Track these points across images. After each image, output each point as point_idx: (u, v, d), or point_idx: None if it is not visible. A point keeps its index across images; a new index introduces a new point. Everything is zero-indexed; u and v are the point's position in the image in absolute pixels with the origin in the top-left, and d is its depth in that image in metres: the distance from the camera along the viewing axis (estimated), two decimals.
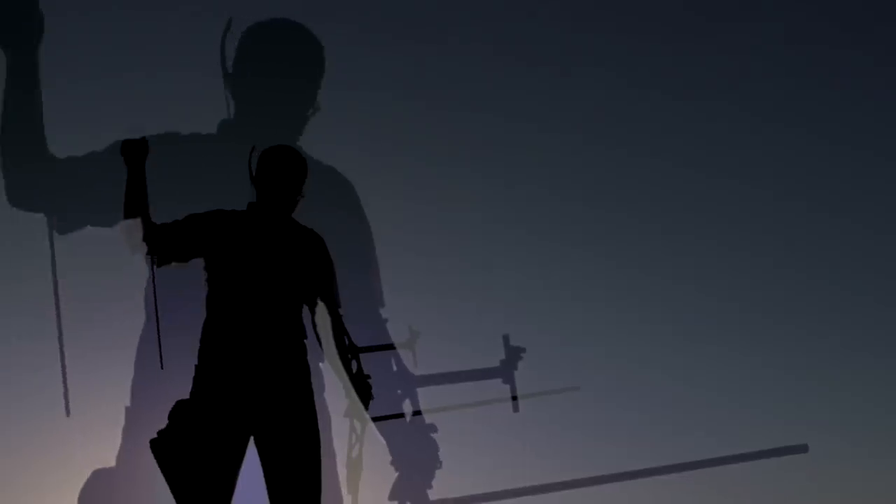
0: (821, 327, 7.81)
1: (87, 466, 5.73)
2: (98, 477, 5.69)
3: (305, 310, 3.99)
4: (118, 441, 5.85)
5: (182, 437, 3.74)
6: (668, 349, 7.50)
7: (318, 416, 3.92)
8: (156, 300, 3.94)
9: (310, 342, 3.95)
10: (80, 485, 5.69)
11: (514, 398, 5.45)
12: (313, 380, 3.96)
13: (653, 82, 5.98)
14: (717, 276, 7.58)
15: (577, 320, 7.05)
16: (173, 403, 3.84)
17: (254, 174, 3.96)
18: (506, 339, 5.52)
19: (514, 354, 5.50)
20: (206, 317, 3.89)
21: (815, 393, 7.77)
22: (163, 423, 3.81)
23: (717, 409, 7.63)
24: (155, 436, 3.77)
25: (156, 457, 3.74)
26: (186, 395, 3.84)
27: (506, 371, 5.49)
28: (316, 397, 3.95)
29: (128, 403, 5.84)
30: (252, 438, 3.84)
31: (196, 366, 3.85)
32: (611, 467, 5.89)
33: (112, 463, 5.81)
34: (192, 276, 4.02)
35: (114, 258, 6.16)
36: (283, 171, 3.90)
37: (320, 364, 5.28)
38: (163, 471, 3.74)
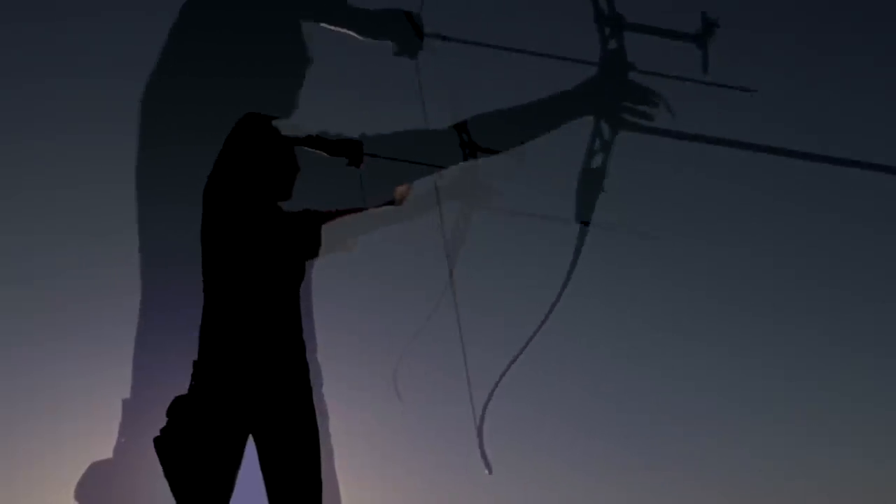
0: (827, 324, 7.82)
1: (85, 462, 5.73)
2: (95, 472, 5.69)
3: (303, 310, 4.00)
4: (116, 437, 5.85)
5: (181, 434, 3.75)
6: (667, 346, 7.50)
7: (317, 414, 3.93)
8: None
9: (308, 340, 3.97)
10: (79, 481, 5.70)
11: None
12: (311, 377, 3.97)
13: (651, 82, 5.98)
14: (715, 273, 7.58)
15: (576, 321, 7.03)
16: (171, 399, 3.85)
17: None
18: None
19: None
20: (203, 313, 3.90)
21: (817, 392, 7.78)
22: (161, 418, 3.82)
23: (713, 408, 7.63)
24: (158, 434, 3.78)
25: (159, 455, 3.75)
26: (184, 391, 3.85)
27: None
28: (314, 395, 3.96)
29: (126, 398, 5.84)
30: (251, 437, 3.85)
31: (195, 362, 3.86)
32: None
33: (110, 459, 5.81)
34: (190, 275, 4.03)
35: (113, 257, 6.18)
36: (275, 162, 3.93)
37: (319, 360, 5.31)
38: (164, 469, 3.75)
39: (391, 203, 4.12)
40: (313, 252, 4.01)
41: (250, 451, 3.86)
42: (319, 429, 3.88)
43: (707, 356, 7.62)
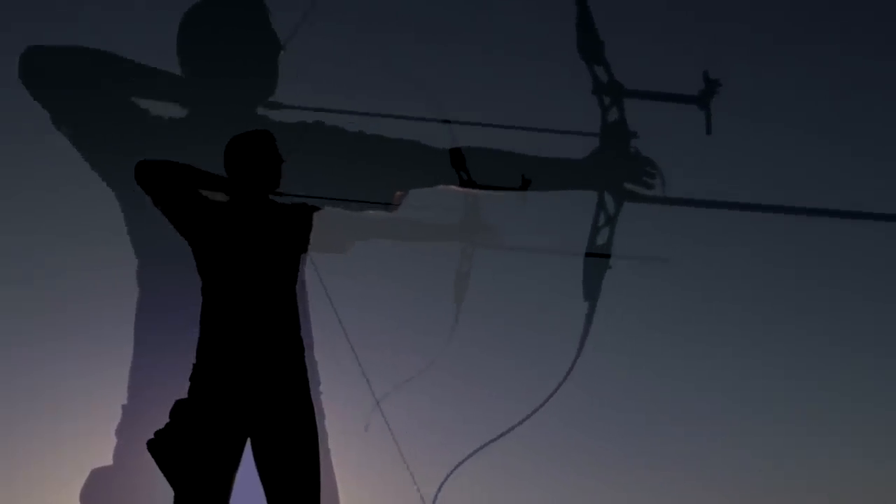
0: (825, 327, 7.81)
1: (85, 462, 5.74)
2: (97, 476, 5.70)
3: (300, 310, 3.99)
4: (117, 440, 5.86)
5: (181, 436, 3.76)
6: (667, 346, 7.50)
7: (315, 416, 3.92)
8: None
9: (306, 340, 3.97)
10: (80, 484, 5.71)
11: None
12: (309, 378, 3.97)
13: (651, 80, 5.99)
14: (715, 273, 7.58)
15: (576, 322, 7.03)
16: (170, 401, 3.85)
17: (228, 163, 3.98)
18: None
19: None
20: (201, 314, 3.89)
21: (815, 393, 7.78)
22: (161, 421, 3.82)
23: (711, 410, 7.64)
24: (152, 437, 3.78)
25: (154, 457, 3.75)
26: (184, 393, 3.85)
27: None
28: (312, 396, 3.96)
29: (125, 402, 5.85)
30: (249, 440, 3.85)
31: (194, 364, 3.86)
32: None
33: (111, 462, 5.81)
34: (189, 276, 4.03)
35: (112, 258, 6.18)
36: (257, 155, 3.93)
37: (316, 361, 5.31)
38: (162, 470, 3.75)
39: (388, 205, 4.14)
40: (304, 244, 4.02)
41: (249, 451, 3.86)
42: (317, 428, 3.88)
43: (707, 356, 7.62)
